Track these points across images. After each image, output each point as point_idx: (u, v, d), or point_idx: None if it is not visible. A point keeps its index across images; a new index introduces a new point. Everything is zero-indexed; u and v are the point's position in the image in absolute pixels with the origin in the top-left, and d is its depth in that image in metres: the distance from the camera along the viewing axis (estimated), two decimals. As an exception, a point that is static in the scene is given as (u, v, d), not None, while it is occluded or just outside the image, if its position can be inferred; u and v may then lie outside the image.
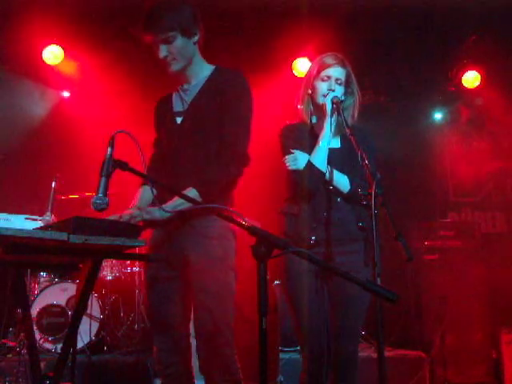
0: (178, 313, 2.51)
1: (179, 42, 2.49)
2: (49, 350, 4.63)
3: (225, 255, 2.45)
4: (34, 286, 4.97)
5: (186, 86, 2.62)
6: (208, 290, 2.39)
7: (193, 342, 2.53)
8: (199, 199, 2.33)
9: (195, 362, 2.50)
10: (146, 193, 2.60)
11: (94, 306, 4.79)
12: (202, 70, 2.61)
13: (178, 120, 2.58)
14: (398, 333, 5.10)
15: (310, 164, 2.72)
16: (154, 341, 2.55)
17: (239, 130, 2.50)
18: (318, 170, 2.71)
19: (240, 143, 2.48)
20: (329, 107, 2.74)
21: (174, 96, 2.67)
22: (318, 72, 2.82)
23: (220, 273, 2.41)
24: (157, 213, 2.35)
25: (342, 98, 2.79)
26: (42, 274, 5.00)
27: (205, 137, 2.51)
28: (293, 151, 2.77)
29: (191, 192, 2.33)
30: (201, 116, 2.53)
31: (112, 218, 2.29)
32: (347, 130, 2.62)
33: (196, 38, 2.56)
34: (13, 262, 2.53)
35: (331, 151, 2.78)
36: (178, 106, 2.63)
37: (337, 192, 2.75)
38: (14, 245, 1.99)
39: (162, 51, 2.49)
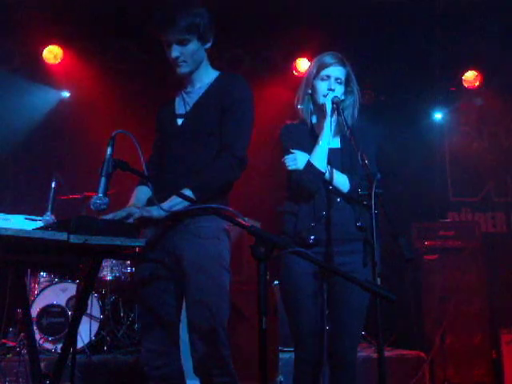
0: (170, 313, 2.49)
1: (193, 45, 2.50)
2: (49, 350, 4.62)
3: (219, 255, 2.44)
4: (34, 286, 4.96)
5: (189, 89, 2.63)
6: (202, 289, 2.37)
7: (186, 343, 2.51)
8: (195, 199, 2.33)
9: (189, 363, 2.48)
10: (142, 193, 2.60)
11: (94, 306, 4.79)
12: (208, 75, 2.62)
13: (179, 121, 2.59)
14: (398, 333, 5.10)
15: (309, 164, 2.72)
16: (142, 341, 2.52)
17: (238, 132, 2.50)
18: (318, 169, 2.71)
19: (239, 146, 2.48)
20: (329, 107, 2.74)
21: (177, 98, 2.68)
22: (318, 71, 2.82)
23: (214, 272, 2.40)
24: (155, 211, 2.34)
25: (342, 97, 2.79)
26: (42, 274, 4.99)
27: (205, 138, 2.51)
28: (293, 151, 2.77)
29: (186, 192, 2.33)
30: (201, 118, 2.53)
31: (109, 215, 2.27)
32: (347, 130, 2.62)
33: (208, 45, 2.58)
34: (13, 262, 2.53)
35: (331, 151, 2.78)
36: (180, 108, 2.63)
37: (337, 192, 2.75)
38: (14, 245, 1.99)
39: (175, 51, 2.49)
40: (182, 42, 2.48)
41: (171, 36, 2.47)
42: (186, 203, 2.26)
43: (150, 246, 2.48)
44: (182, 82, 2.65)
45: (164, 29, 2.47)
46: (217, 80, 2.61)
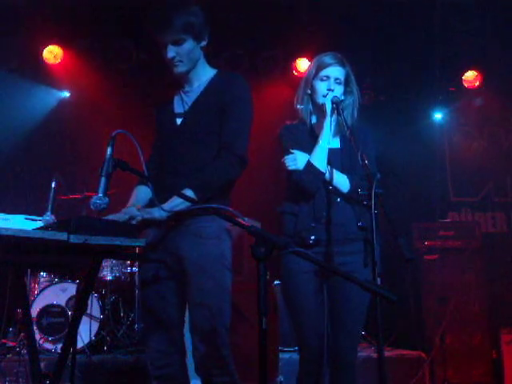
0: (174, 313, 2.50)
1: (189, 44, 2.50)
2: (49, 350, 4.62)
3: (220, 255, 2.44)
4: (34, 286, 4.96)
5: (187, 88, 2.63)
6: (204, 290, 2.38)
7: (188, 342, 2.51)
8: (195, 199, 2.33)
9: (191, 363, 2.48)
10: (141, 192, 2.60)
11: (94, 306, 4.79)
12: (205, 74, 2.62)
13: (178, 121, 2.59)
14: (397, 333, 5.10)
15: (309, 164, 2.72)
16: (148, 341, 2.53)
17: (238, 130, 2.50)
18: (318, 169, 2.71)
19: (239, 144, 2.49)
20: (328, 107, 2.74)
21: (175, 98, 2.68)
22: (317, 72, 2.82)
23: (216, 273, 2.40)
24: (156, 213, 2.35)
25: (342, 97, 2.79)
26: (42, 274, 4.99)
27: (204, 138, 2.51)
28: (292, 151, 2.77)
29: (187, 192, 2.33)
30: (200, 117, 2.53)
31: (110, 217, 2.28)
32: (347, 130, 2.62)
33: (204, 43, 2.58)
34: (13, 262, 2.53)
35: (331, 151, 2.78)
36: (178, 107, 2.63)
37: (337, 192, 2.75)
38: (14, 245, 1.99)
39: (170, 52, 2.49)
40: (178, 42, 2.48)
41: (166, 36, 2.47)
42: (188, 203, 2.26)
43: (152, 247, 2.48)
44: (180, 82, 2.65)
45: (159, 29, 2.47)
46: (215, 78, 2.61)
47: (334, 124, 2.77)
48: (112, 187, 2.18)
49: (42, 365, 2.96)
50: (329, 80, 2.79)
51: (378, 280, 2.34)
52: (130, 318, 5.22)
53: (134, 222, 2.29)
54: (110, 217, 2.29)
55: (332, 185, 2.74)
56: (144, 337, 2.65)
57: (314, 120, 2.90)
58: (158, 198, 2.20)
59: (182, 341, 2.54)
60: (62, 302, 4.75)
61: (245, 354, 3.27)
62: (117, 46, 6.06)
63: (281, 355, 4.44)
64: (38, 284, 4.97)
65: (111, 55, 6.08)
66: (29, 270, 4.72)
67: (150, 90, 5.80)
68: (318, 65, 2.82)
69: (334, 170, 2.75)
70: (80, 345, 4.51)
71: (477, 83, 6.39)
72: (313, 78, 2.83)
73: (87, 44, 6.04)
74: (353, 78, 2.86)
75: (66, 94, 6.41)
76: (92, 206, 2.12)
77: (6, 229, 1.89)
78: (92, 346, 4.70)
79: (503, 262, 5.77)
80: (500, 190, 6.64)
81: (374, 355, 4.45)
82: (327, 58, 2.82)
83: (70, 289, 4.80)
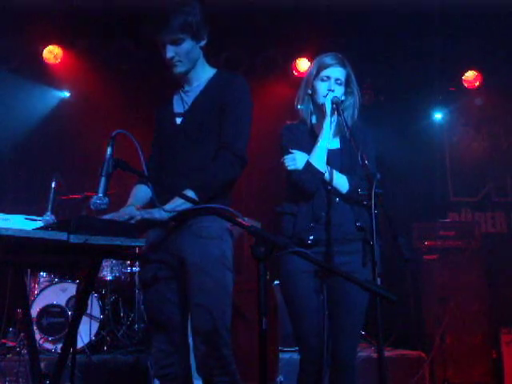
0: (176, 313, 2.50)
1: (188, 44, 2.50)
2: (49, 350, 4.63)
3: (222, 255, 2.44)
4: (34, 286, 4.96)
5: (187, 88, 2.63)
6: (205, 291, 2.38)
7: (190, 342, 2.52)
8: (196, 200, 2.33)
9: (192, 363, 2.49)
10: (140, 191, 2.60)
11: (94, 306, 4.79)
12: (205, 73, 2.62)
13: (178, 121, 2.59)
14: (397, 333, 5.10)
15: (308, 164, 2.72)
16: (152, 341, 2.54)
17: (238, 131, 2.50)
18: (317, 169, 2.71)
19: (238, 145, 2.48)
20: (328, 108, 2.74)
21: (175, 97, 2.68)
22: (318, 72, 2.82)
23: (217, 273, 2.40)
24: (157, 213, 2.35)
25: (342, 98, 2.79)
26: (41, 274, 5.00)
27: (204, 137, 2.51)
28: (292, 151, 2.77)
29: (188, 193, 2.33)
30: (200, 117, 2.53)
31: (108, 216, 2.27)
32: (347, 131, 2.62)
33: (203, 43, 2.57)
34: (13, 262, 2.53)
35: (331, 152, 2.78)
36: (178, 107, 2.63)
37: (336, 192, 2.75)
38: (14, 245, 1.99)
39: (169, 52, 2.49)
40: (176, 42, 2.47)
41: (164, 36, 2.46)
42: (189, 204, 2.26)
43: (153, 248, 2.48)
44: (180, 82, 2.65)
45: (157, 29, 2.47)
46: (214, 78, 2.61)
47: (333, 124, 2.77)
48: (112, 187, 2.18)
49: (42, 365, 2.96)
50: (329, 80, 2.79)
51: (378, 280, 2.34)
52: (130, 317, 5.22)
53: (132, 222, 2.29)
54: (108, 216, 2.28)
55: (331, 185, 2.74)
56: (148, 337, 2.65)
57: (314, 120, 2.90)
58: (159, 199, 2.20)
59: (185, 340, 2.54)
60: (62, 302, 4.75)
61: (245, 354, 3.27)
62: (117, 46, 6.06)
63: (281, 355, 4.45)
64: (38, 284, 4.97)
65: (111, 55, 6.08)
66: (29, 270, 4.72)
67: (149, 90, 5.80)
68: (319, 65, 2.82)
69: (334, 171, 2.75)
70: (80, 345, 4.51)
71: (477, 83, 6.39)
72: (313, 79, 2.83)
73: (87, 44, 6.05)
74: (354, 78, 2.86)
75: (66, 94, 6.42)
76: (92, 206, 2.12)
77: (6, 229, 1.89)
78: (92, 346, 4.70)
79: (503, 262, 5.77)
80: (500, 190, 6.64)
81: (374, 355, 4.45)
82: (328, 59, 2.82)
83: (70, 289, 4.80)
